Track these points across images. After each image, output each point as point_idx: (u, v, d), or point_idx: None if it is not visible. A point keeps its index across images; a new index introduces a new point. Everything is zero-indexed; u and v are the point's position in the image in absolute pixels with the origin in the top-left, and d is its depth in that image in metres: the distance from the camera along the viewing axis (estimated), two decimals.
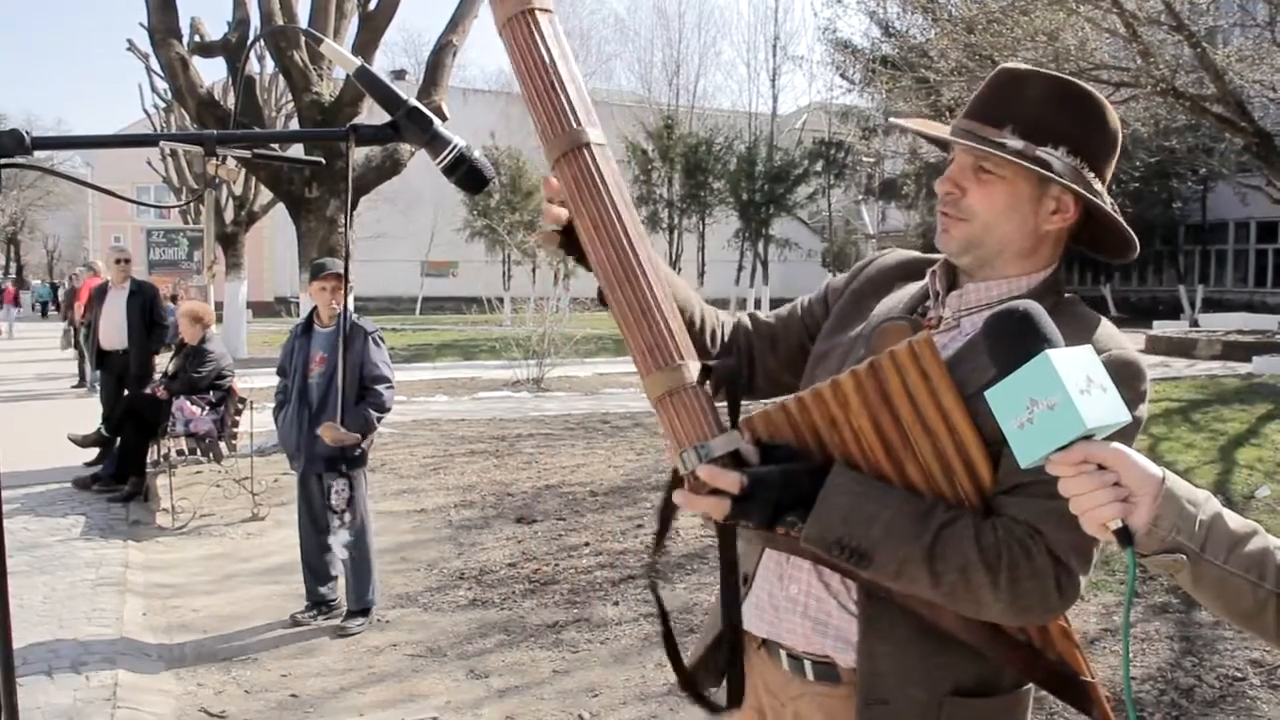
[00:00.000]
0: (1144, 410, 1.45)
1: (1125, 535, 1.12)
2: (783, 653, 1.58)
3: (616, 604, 5.22)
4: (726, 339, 1.77)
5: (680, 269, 31.41)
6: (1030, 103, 1.49)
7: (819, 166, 35.37)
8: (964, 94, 11.56)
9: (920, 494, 1.41)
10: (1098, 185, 1.51)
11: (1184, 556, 1.14)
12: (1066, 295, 1.55)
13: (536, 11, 1.44)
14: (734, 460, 1.37)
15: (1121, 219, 1.51)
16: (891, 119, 1.92)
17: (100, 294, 9.09)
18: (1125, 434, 1.38)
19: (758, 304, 31.85)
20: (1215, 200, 31.43)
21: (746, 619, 1.63)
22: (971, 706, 1.47)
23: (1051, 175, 1.46)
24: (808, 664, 1.55)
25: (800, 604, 1.55)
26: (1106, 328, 1.49)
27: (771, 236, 35.01)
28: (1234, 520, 1.19)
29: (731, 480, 1.34)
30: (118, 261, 9.11)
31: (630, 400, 13.48)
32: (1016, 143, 1.47)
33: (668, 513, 1.50)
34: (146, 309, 8.77)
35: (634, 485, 7.80)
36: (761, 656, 1.63)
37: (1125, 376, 1.40)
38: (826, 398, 1.40)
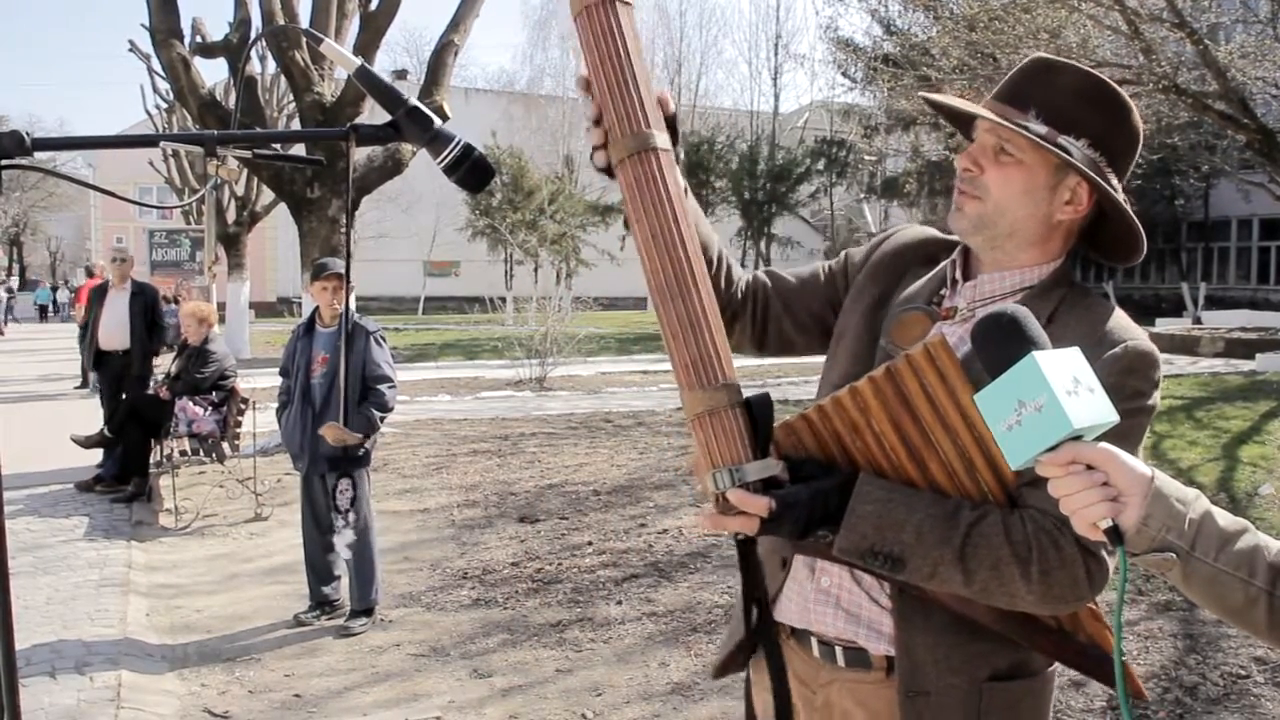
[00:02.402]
0: (1157, 397, 1.48)
1: (1115, 535, 1.13)
2: (813, 640, 1.60)
3: (620, 603, 5.22)
4: (743, 291, 1.77)
5: None
6: (1059, 92, 1.50)
7: (821, 165, 35.36)
8: (965, 91, 11.55)
9: (945, 493, 1.42)
10: (1115, 182, 1.52)
11: (1174, 555, 1.15)
12: (1076, 285, 1.56)
13: (619, 2, 1.40)
14: (763, 481, 1.38)
15: (1134, 217, 1.52)
16: (921, 93, 1.92)
17: (100, 294, 9.03)
18: (1140, 421, 1.43)
19: None
20: (1218, 197, 31.38)
21: (777, 609, 1.65)
22: (1008, 690, 1.51)
23: (1071, 161, 1.47)
24: (838, 650, 1.57)
25: (832, 596, 1.57)
26: (1119, 317, 1.51)
27: (774, 235, 35.01)
28: (1223, 518, 1.19)
29: (760, 504, 1.35)
30: (115, 261, 9.10)
31: (633, 399, 13.49)
32: (1040, 127, 1.48)
33: (750, 552, 1.49)
34: (148, 310, 8.76)
35: (637, 484, 7.80)
36: (791, 645, 1.65)
37: (1142, 367, 1.45)
38: (847, 405, 1.41)
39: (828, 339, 1.78)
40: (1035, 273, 1.55)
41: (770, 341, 1.80)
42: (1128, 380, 1.43)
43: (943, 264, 1.67)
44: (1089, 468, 1.13)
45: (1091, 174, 1.48)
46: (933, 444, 1.40)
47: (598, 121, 1.45)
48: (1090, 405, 1.12)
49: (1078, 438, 1.12)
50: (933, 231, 1.78)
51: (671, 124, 1.49)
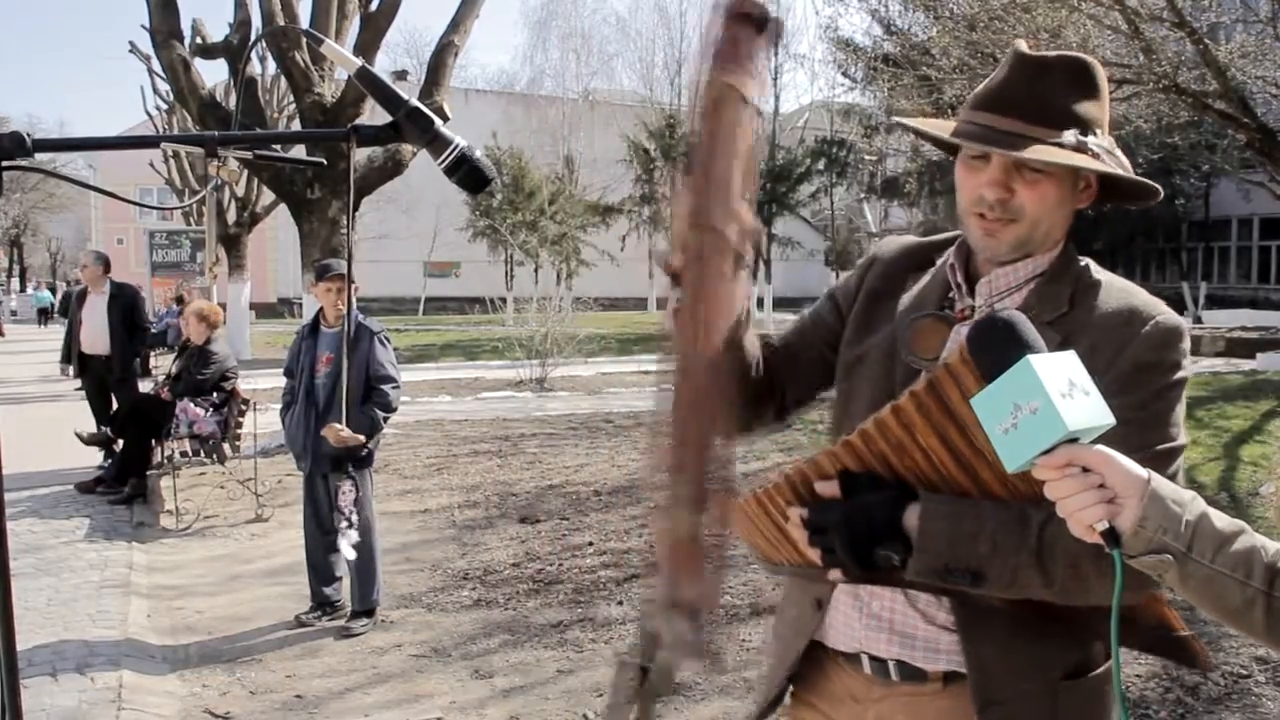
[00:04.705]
0: (1188, 366, 1.49)
1: (1112, 536, 1.13)
2: (864, 657, 1.57)
3: (620, 603, 5.22)
4: (763, 377, 1.72)
5: None
6: (1062, 91, 1.48)
7: (821, 165, 35.30)
8: (966, 91, 11.53)
9: (1000, 499, 1.39)
10: (1119, 152, 1.51)
11: (1170, 557, 1.15)
12: (1081, 262, 1.56)
13: (746, 98, 1.36)
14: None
15: (1139, 178, 1.52)
16: (903, 123, 1.83)
17: (80, 297, 9.01)
18: (1180, 393, 1.45)
19: (760, 303, 31.82)
20: (1218, 197, 31.36)
21: (825, 638, 1.62)
22: (1081, 687, 1.49)
23: (1108, 169, 1.45)
24: (891, 665, 1.55)
25: (885, 620, 1.55)
26: (1138, 292, 1.51)
27: (774, 235, 34.95)
28: (1220, 520, 1.19)
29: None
30: (83, 267, 9.15)
31: (633, 399, 13.48)
32: (1071, 140, 1.45)
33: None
34: (128, 311, 8.75)
35: (637, 484, 7.80)
36: (838, 663, 1.62)
37: (1175, 339, 1.46)
38: (890, 424, 1.38)
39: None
40: (1045, 259, 1.54)
41: (790, 411, 1.79)
42: (1165, 354, 1.44)
43: (938, 266, 1.64)
44: (1085, 470, 1.13)
45: (1118, 172, 1.47)
46: (981, 451, 1.38)
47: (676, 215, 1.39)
48: (1085, 408, 1.12)
49: (1074, 440, 1.12)
50: (912, 239, 1.76)
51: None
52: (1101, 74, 1.52)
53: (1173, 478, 1.40)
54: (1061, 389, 1.11)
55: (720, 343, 1.36)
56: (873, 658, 1.56)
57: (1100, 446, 1.14)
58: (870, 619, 1.56)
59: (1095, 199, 1.55)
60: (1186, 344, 1.48)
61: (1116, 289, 1.51)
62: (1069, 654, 1.49)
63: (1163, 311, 1.47)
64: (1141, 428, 1.41)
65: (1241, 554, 1.17)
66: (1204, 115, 10.94)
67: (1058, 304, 1.50)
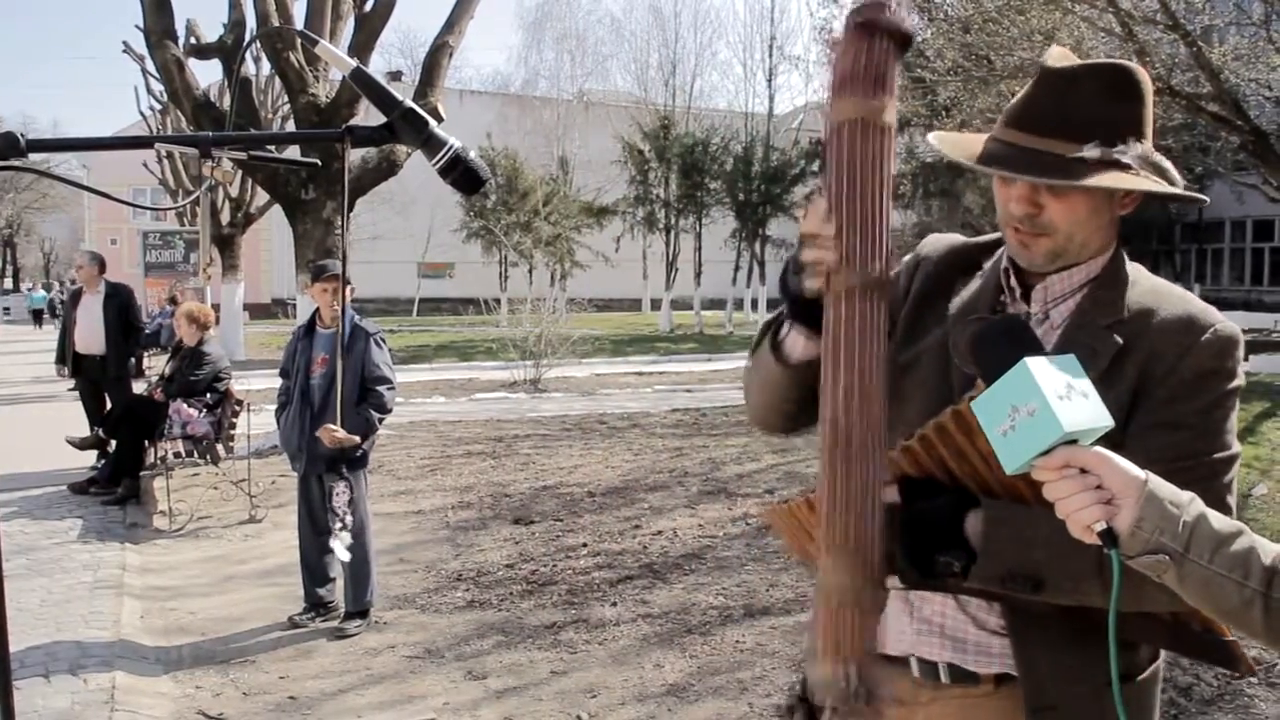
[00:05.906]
0: (1242, 375, 1.50)
1: (1109, 537, 1.14)
2: (912, 660, 1.56)
3: (614, 604, 5.22)
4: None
5: (677, 269, 31.40)
6: (1091, 102, 1.45)
7: (816, 166, 35.27)
8: (960, 93, 11.56)
9: None
10: (1157, 157, 1.49)
11: (1168, 558, 1.15)
12: (1129, 264, 1.55)
13: (888, 128, 1.30)
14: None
15: (1182, 181, 1.51)
16: (933, 141, 1.76)
17: (74, 297, 9.03)
18: (1236, 401, 1.46)
19: (755, 304, 31.84)
20: (1212, 199, 31.10)
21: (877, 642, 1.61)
22: (1128, 690, 1.47)
23: (1136, 186, 1.44)
24: (942, 667, 1.54)
25: (936, 625, 1.55)
26: (1192, 299, 1.51)
27: (768, 237, 34.98)
28: (1218, 520, 1.20)
29: None
30: (78, 268, 9.16)
31: (627, 400, 13.49)
32: (1093, 153, 1.43)
33: None
34: (123, 311, 8.75)
35: (631, 486, 7.80)
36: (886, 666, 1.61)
37: (1233, 348, 1.47)
38: (951, 429, 1.36)
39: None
40: (1099, 263, 1.53)
41: None
42: (1223, 363, 1.45)
43: (988, 269, 1.62)
44: (1084, 471, 1.14)
45: (1151, 184, 1.44)
46: None
47: (812, 238, 1.33)
48: (1083, 410, 1.12)
49: (1073, 442, 1.12)
50: (958, 238, 1.74)
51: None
52: (1140, 76, 1.49)
53: (1229, 485, 1.42)
54: (1059, 391, 1.12)
55: (877, 398, 1.28)
56: (922, 661, 1.55)
57: (1098, 448, 1.14)
58: (921, 623, 1.55)
59: (1139, 203, 1.52)
60: (1241, 352, 1.49)
61: (1172, 295, 1.51)
62: (1120, 658, 1.48)
63: (1220, 320, 1.48)
64: (1197, 435, 1.42)
65: (1239, 555, 1.18)
66: (1197, 118, 10.96)
67: (1114, 309, 1.49)
